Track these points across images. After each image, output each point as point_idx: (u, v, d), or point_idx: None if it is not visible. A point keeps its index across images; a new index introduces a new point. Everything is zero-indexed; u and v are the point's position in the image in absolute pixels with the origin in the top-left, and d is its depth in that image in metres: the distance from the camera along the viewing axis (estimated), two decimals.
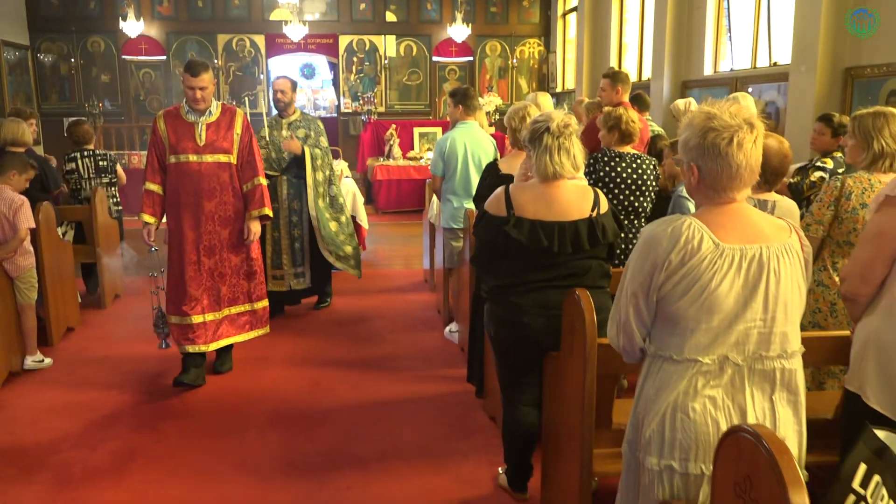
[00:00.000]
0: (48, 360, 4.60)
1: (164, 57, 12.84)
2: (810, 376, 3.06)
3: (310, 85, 16.17)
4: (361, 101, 12.92)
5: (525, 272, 2.63)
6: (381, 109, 12.94)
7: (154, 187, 4.05)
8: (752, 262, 1.67)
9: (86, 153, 6.05)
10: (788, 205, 2.96)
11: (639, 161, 3.74)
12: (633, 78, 9.93)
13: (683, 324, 1.70)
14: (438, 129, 11.97)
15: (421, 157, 11.34)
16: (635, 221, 3.76)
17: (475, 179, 4.61)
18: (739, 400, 1.70)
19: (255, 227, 4.16)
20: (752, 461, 1.38)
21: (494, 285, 2.73)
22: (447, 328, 5.23)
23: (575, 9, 11.83)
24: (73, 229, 5.94)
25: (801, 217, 3.07)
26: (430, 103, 13.50)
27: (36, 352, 4.58)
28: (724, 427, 1.67)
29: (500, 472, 3.14)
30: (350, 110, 13.24)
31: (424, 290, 6.51)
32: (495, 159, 4.54)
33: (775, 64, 6.81)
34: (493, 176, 3.73)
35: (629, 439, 1.89)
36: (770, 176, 2.86)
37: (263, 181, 4.18)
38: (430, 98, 13.51)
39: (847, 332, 2.25)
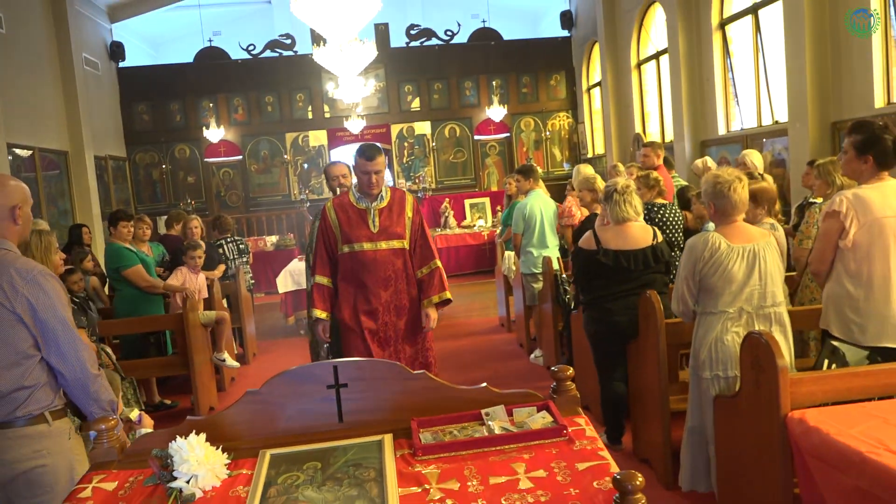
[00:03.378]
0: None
1: (241, 157, 14.65)
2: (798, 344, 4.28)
3: None
4: (415, 181, 14.54)
5: (613, 286, 3.98)
6: (433, 186, 14.52)
7: (324, 280, 3.86)
8: (749, 253, 3.01)
9: (229, 240, 7.57)
10: (781, 230, 4.29)
11: (671, 209, 5.12)
12: (658, 139, 11.37)
13: (716, 291, 3.03)
14: (486, 199, 13.50)
15: (474, 225, 12.84)
16: (675, 250, 5.11)
17: (549, 233, 6.01)
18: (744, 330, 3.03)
19: (434, 314, 3.92)
20: (758, 348, 2.68)
21: (592, 297, 4.07)
22: (532, 355, 6.51)
23: (599, 83, 13.42)
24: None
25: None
26: (475, 177, 15.08)
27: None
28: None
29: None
30: (405, 188, 14.86)
31: (502, 332, 7.83)
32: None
33: (776, 122, 8.18)
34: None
35: (692, 365, 3.19)
36: (765, 203, 4.19)
37: (440, 264, 3.98)
38: (475, 172, 15.09)
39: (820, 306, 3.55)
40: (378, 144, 4.14)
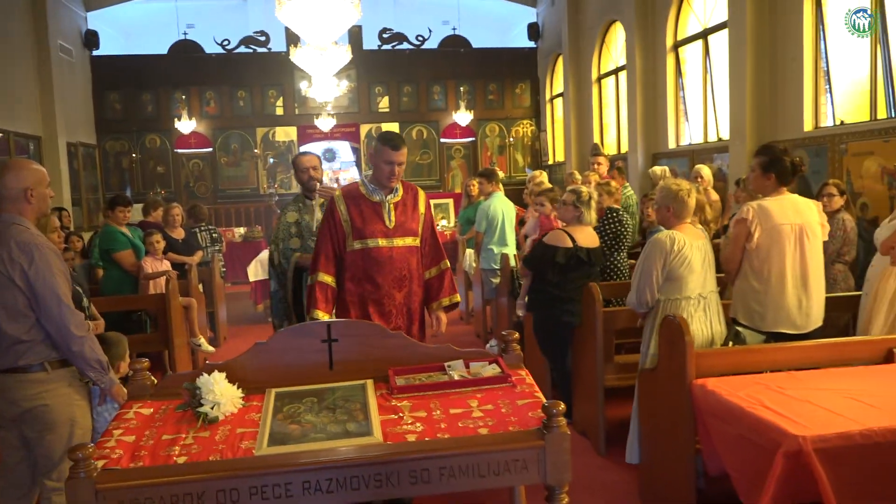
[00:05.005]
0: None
1: (211, 149, 14.92)
2: None
3: (330, 167, 18.35)
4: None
5: (572, 280, 4.51)
6: None
7: (329, 279, 3.52)
8: (701, 247, 3.58)
9: (202, 228, 7.95)
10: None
11: (624, 214, 5.72)
12: (614, 150, 12.05)
13: (682, 280, 3.55)
14: (451, 201, 14.01)
15: (437, 225, 13.33)
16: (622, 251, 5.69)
17: (509, 232, 6.57)
18: (704, 313, 3.59)
19: (445, 319, 3.76)
20: (672, 327, 3.23)
21: (547, 295, 4.57)
22: (487, 344, 7.04)
23: (561, 94, 14.06)
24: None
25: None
26: (440, 178, 15.59)
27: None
28: (703, 327, 3.55)
29: None
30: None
31: (461, 324, 8.36)
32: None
33: (720, 139, 8.88)
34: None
35: (644, 352, 3.72)
36: (697, 212, 4.79)
37: (449, 265, 3.81)
38: (440, 174, 15.61)
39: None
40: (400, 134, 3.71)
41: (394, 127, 15.39)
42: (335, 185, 4.69)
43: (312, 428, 2.16)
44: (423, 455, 2.00)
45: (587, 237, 4.61)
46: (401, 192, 3.61)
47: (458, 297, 3.80)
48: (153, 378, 2.50)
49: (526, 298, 4.97)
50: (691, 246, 3.58)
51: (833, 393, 2.82)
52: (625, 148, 11.43)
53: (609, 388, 4.36)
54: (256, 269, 8.86)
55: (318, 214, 4.23)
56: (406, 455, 2.00)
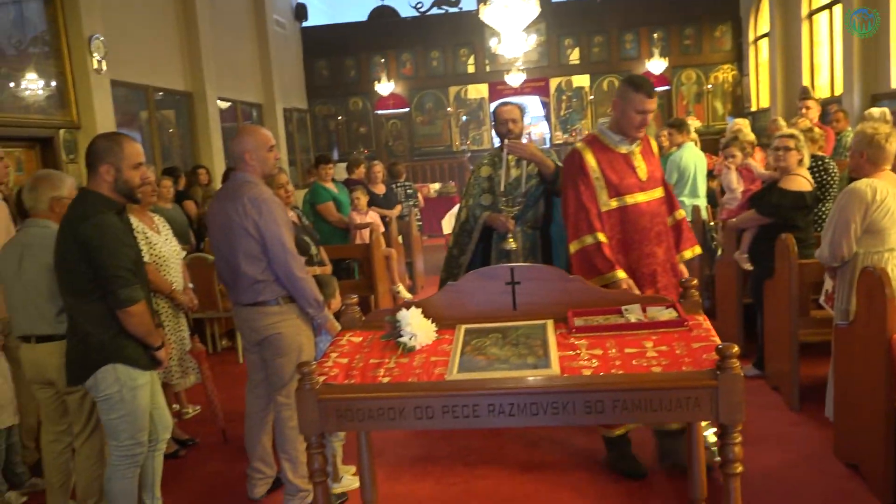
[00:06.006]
0: None
1: (408, 109, 15.68)
2: None
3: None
4: (571, 133, 14.93)
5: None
6: None
7: (605, 238, 3.22)
8: None
9: (399, 184, 8.52)
10: None
11: (827, 161, 5.33)
12: (826, 93, 11.02)
13: (885, 232, 3.35)
14: None
15: None
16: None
17: (700, 184, 6.38)
18: None
19: (686, 272, 3.49)
20: (871, 280, 3.07)
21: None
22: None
23: (767, 34, 13.02)
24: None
25: None
26: None
27: None
28: None
29: None
30: (561, 141, 15.29)
31: None
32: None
33: None
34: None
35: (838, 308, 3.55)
36: None
37: (685, 213, 3.63)
38: None
39: None
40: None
41: (584, 80, 15.20)
42: (525, 140, 4.21)
43: (497, 359, 2.40)
44: (597, 388, 2.16)
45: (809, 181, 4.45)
46: (640, 140, 3.37)
47: (699, 249, 3.54)
48: (361, 313, 2.88)
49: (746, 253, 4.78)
50: (890, 194, 3.33)
51: None
52: (839, 90, 10.42)
53: (804, 343, 4.19)
54: (451, 222, 9.34)
55: (515, 171, 4.03)
56: (582, 387, 2.17)
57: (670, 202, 3.49)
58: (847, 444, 3.45)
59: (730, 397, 2.09)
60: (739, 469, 2.18)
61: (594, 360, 2.32)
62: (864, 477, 3.28)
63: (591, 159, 3.25)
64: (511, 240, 3.97)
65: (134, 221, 3.87)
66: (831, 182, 5.12)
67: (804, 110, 7.32)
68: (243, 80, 12.17)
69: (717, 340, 2.35)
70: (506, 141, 4.02)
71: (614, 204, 3.24)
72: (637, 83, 3.20)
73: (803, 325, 4.19)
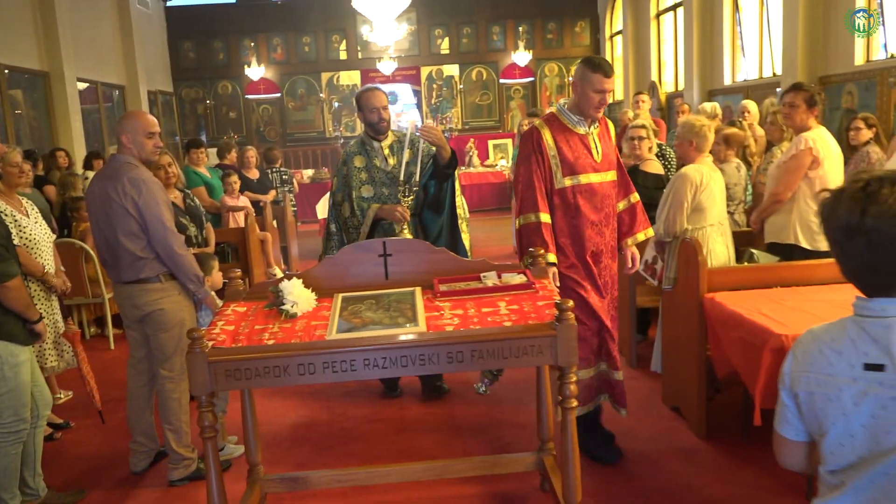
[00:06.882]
0: None
1: (279, 94, 15.57)
2: None
3: (393, 109, 18.76)
4: (442, 121, 15.41)
5: None
6: (459, 127, 15.36)
7: (549, 219, 3.28)
8: (718, 179, 3.93)
9: (274, 170, 8.59)
10: (744, 169, 5.17)
11: (664, 147, 6.02)
12: (671, 88, 12.09)
13: (707, 210, 3.91)
14: (508, 141, 14.34)
15: (496, 165, 13.73)
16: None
17: None
18: (722, 238, 3.96)
19: (638, 254, 3.61)
20: (688, 248, 3.63)
21: None
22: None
23: (620, 32, 14.03)
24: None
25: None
26: (499, 119, 15.89)
27: None
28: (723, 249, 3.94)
29: None
30: (409, 128, 15.71)
31: (515, 258, 8.82)
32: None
33: (775, 74, 8.91)
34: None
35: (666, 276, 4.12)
36: (735, 146, 5.05)
37: (638, 197, 3.62)
38: (500, 114, 15.89)
39: None
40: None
41: (453, 69, 15.69)
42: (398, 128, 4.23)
43: (371, 321, 2.70)
44: (457, 340, 2.51)
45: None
46: (598, 121, 3.38)
47: (651, 231, 3.64)
48: (245, 286, 3.09)
49: None
50: (712, 178, 3.93)
51: (825, 303, 3.19)
52: (682, 85, 11.47)
53: (641, 308, 4.79)
54: (325, 208, 9.51)
55: (391, 160, 4.04)
56: (444, 340, 2.52)
57: (625, 186, 3.53)
58: (671, 391, 4.04)
59: (566, 343, 2.50)
60: (575, 404, 2.61)
61: (455, 319, 2.68)
62: (684, 416, 3.88)
63: (548, 137, 3.27)
64: (406, 230, 3.98)
65: (2, 205, 3.86)
66: (670, 167, 5.80)
67: (640, 103, 8.10)
68: (105, 61, 11.69)
69: (558, 299, 2.77)
70: (416, 124, 4.04)
71: (568, 182, 3.27)
72: (595, 63, 3.21)
73: (640, 292, 4.79)
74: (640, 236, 3.59)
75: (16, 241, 3.71)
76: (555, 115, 3.37)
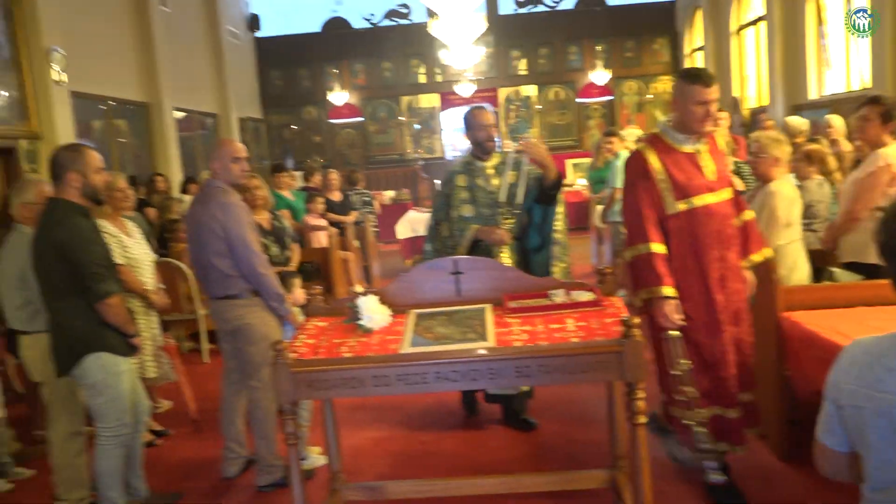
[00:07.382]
0: None
1: (361, 118, 16.07)
2: None
3: None
4: (520, 142, 15.52)
5: None
6: None
7: (662, 249, 3.04)
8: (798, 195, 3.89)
9: (356, 192, 8.90)
10: (827, 187, 5.03)
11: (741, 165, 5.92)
12: (754, 103, 11.81)
13: (795, 226, 3.90)
14: (587, 160, 14.27)
15: (573, 184, 13.68)
16: None
17: None
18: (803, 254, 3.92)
19: (753, 279, 3.28)
20: (764, 267, 3.59)
21: None
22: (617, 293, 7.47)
23: (700, 48, 13.82)
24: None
25: None
26: (578, 138, 15.86)
27: None
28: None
29: None
30: (510, 150, 15.84)
31: (593, 278, 8.78)
32: None
33: (865, 88, 8.59)
34: None
35: None
36: (817, 163, 4.93)
37: (754, 213, 3.34)
38: (578, 133, 15.87)
39: None
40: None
41: (531, 89, 15.80)
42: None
43: (442, 336, 2.82)
44: (525, 355, 2.60)
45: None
46: (706, 137, 3.10)
47: (769, 251, 3.29)
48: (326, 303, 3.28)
49: None
50: (796, 193, 3.90)
51: None
52: (766, 101, 11.20)
53: None
54: (405, 228, 9.77)
55: (495, 180, 3.94)
56: (512, 355, 2.62)
57: (738, 203, 3.21)
58: None
59: (633, 360, 2.55)
60: (643, 420, 2.64)
61: (524, 335, 2.77)
62: (765, 437, 3.80)
63: (654, 161, 3.03)
64: (505, 254, 3.91)
65: (109, 226, 4.21)
66: (746, 184, 5.71)
67: (721, 121, 7.92)
68: (199, 91, 12.40)
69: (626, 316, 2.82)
70: (520, 141, 3.95)
71: (682, 206, 3.01)
72: (692, 74, 3.00)
73: None
74: (756, 257, 3.23)
75: (120, 261, 4.05)
76: (658, 136, 3.13)
